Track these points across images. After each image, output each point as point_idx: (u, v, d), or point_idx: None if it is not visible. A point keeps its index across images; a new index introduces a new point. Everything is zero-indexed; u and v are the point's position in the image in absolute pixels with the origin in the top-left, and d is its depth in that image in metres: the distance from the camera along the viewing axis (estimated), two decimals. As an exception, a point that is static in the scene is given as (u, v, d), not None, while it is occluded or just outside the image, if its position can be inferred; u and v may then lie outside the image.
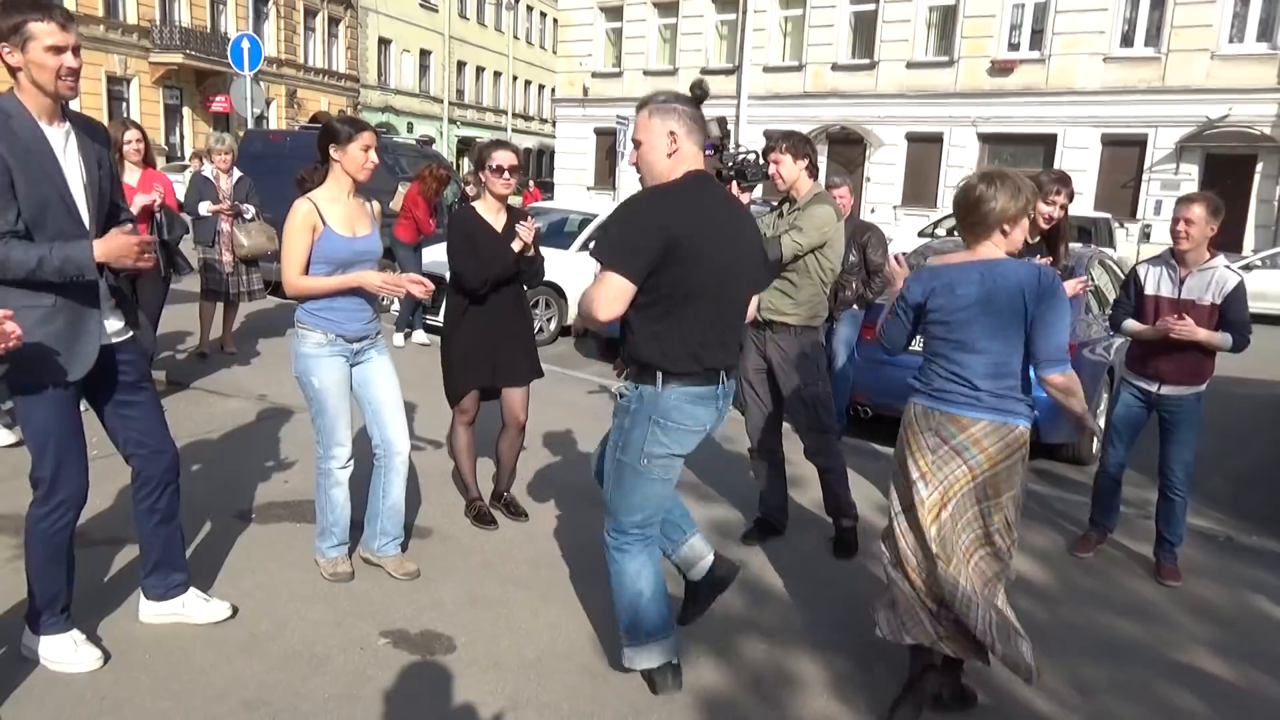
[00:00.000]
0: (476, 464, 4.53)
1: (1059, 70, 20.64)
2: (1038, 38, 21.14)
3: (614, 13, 28.42)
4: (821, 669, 3.30)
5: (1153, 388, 4.33)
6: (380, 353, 3.74)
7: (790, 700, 3.11)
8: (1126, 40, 20.10)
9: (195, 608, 3.34)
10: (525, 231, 4.09)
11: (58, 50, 2.61)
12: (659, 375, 2.77)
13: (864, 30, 23.89)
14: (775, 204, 4.51)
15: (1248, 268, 14.56)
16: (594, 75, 28.85)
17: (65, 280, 2.66)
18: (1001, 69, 21.37)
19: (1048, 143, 21.05)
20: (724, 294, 2.80)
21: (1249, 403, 8.20)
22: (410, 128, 36.27)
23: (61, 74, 2.63)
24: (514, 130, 44.97)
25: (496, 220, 4.18)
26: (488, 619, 3.53)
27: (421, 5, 39.61)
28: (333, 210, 3.50)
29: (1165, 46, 19.38)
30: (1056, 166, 20.57)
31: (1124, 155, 19.93)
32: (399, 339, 8.75)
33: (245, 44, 15.48)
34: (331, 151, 3.49)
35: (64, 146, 2.74)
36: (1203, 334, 4.09)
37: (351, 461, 3.70)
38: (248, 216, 7.45)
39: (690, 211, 2.72)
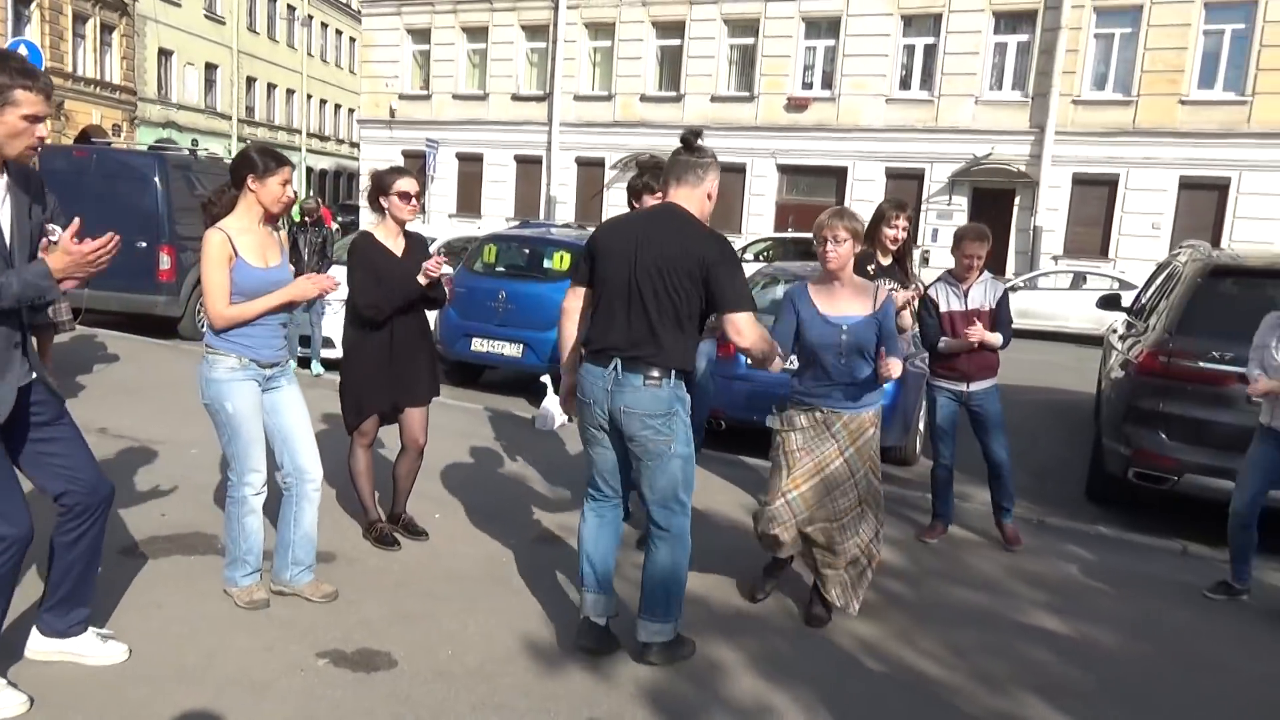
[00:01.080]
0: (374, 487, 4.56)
1: (848, 109, 22.48)
2: (828, 78, 22.94)
3: (421, 35, 28.19)
4: (749, 654, 3.62)
5: (962, 386, 5.05)
6: (290, 380, 3.74)
7: (721, 682, 3.41)
8: (904, 84, 22.20)
9: (91, 648, 3.21)
10: (434, 267, 4.19)
11: (34, 119, 2.59)
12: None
13: (670, 64, 24.99)
14: None
15: (1013, 289, 16.48)
16: (401, 97, 28.44)
17: (20, 306, 2.57)
18: (797, 105, 22.99)
19: (839, 175, 22.83)
20: None
21: (1035, 407, 9.39)
22: (195, 144, 34.16)
23: (30, 143, 2.62)
24: (309, 150, 43.32)
25: (396, 245, 4.26)
26: (420, 633, 3.61)
27: (206, 16, 37.48)
28: (244, 240, 3.49)
29: (937, 91, 21.57)
30: (847, 197, 22.42)
31: (905, 187, 21.93)
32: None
33: (23, 49, 14.25)
34: (249, 182, 3.48)
35: (3, 197, 2.69)
36: (989, 337, 4.89)
37: (265, 488, 3.68)
38: (53, 238, 6.97)
39: None
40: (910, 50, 22.15)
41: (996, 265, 20.70)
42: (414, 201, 4.19)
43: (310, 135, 44.29)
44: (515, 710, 3.12)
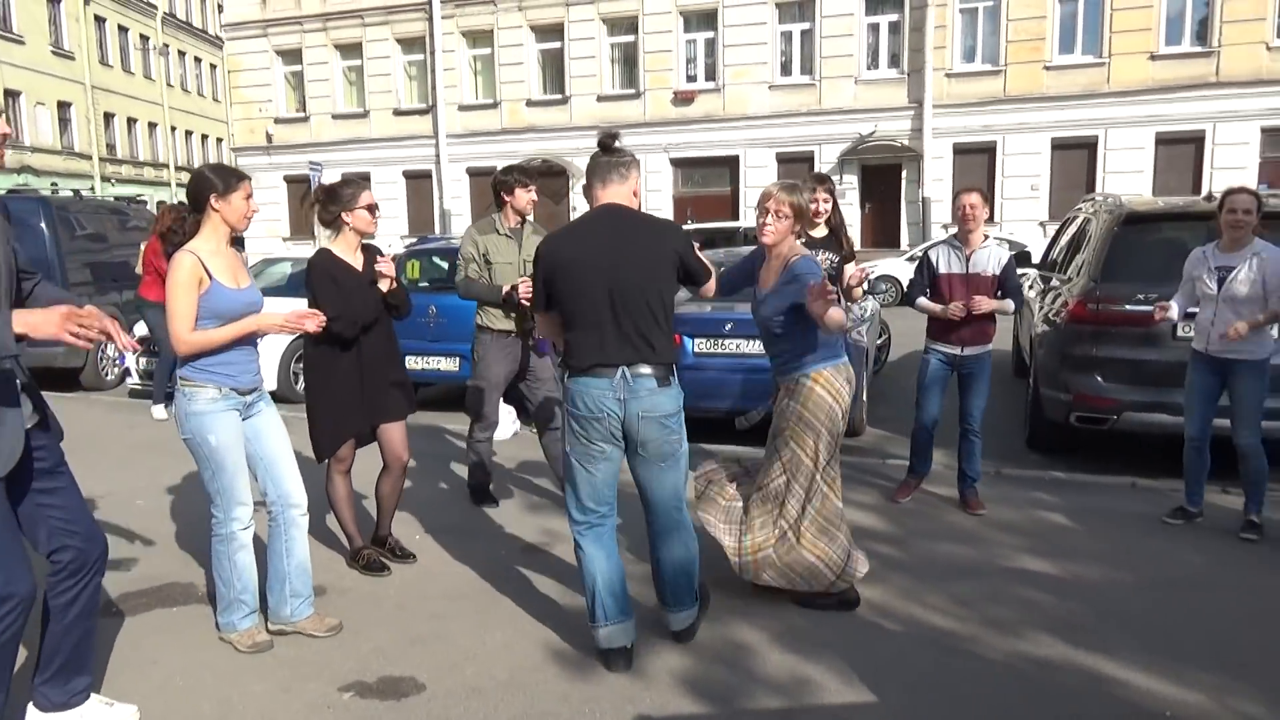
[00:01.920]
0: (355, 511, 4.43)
1: (733, 98, 22.87)
2: (711, 69, 23.28)
3: (292, 56, 27.37)
4: (771, 633, 3.66)
5: (956, 350, 5.17)
6: (268, 404, 3.63)
7: (752, 663, 3.44)
8: (785, 70, 22.72)
9: (99, 715, 3.03)
10: (387, 267, 4.12)
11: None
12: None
13: (553, 67, 24.93)
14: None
15: (911, 259, 17.06)
16: (277, 121, 27.56)
17: None
18: (683, 99, 23.25)
19: (732, 163, 23.21)
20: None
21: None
22: (55, 189, 32.29)
23: None
24: (179, 185, 41.49)
25: (356, 260, 4.15)
26: (438, 653, 3.53)
27: (54, 52, 35.44)
28: (217, 262, 3.37)
29: (818, 74, 22.15)
30: (741, 184, 22.84)
31: (796, 170, 22.41)
32: (160, 411, 8.01)
33: None
34: (212, 202, 3.35)
35: None
36: (991, 304, 4.97)
37: (253, 521, 3.55)
38: None
39: None
40: (788, 37, 22.67)
41: (890, 239, 21.42)
42: (376, 214, 4.09)
43: (178, 169, 42.42)
44: (559, 716, 3.08)
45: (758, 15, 22.50)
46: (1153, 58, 19.67)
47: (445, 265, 9.28)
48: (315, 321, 3.57)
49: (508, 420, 7.06)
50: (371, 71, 26.36)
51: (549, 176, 24.92)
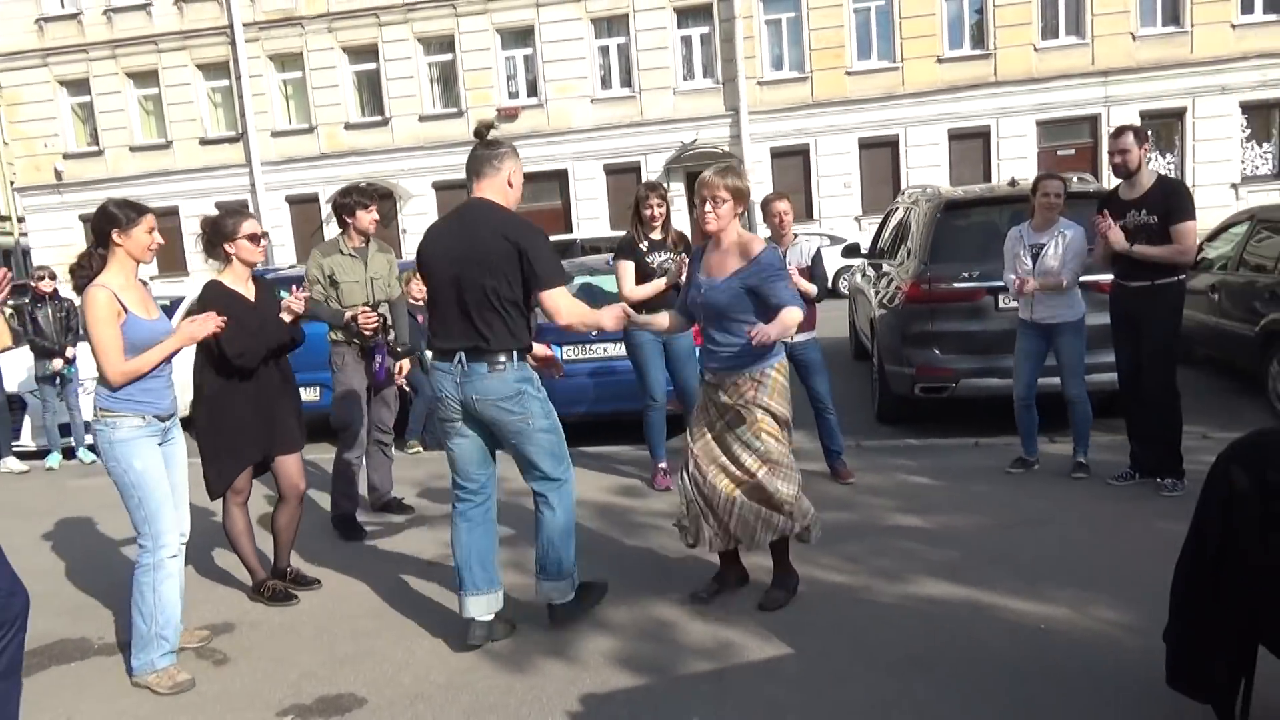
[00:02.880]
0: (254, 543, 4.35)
1: (557, 113, 23.16)
2: (533, 85, 23.49)
3: (78, 86, 25.49)
4: (687, 607, 3.89)
5: (787, 340, 5.58)
6: (179, 431, 3.66)
7: (676, 634, 3.66)
8: (605, 83, 23.22)
9: None
10: (297, 304, 4.12)
11: None
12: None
13: (369, 88, 24.42)
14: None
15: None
16: (66, 157, 25.60)
17: None
18: (507, 115, 23.33)
19: (561, 177, 23.46)
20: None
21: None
22: None
23: None
24: (-47, 230, 37.73)
25: (248, 290, 4.10)
26: (372, 668, 3.55)
27: None
28: (129, 295, 3.42)
29: (637, 87, 22.78)
30: (572, 197, 23.15)
31: (624, 181, 22.96)
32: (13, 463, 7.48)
33: None
34: (115, 237, 3.37)
35: None
36: (804, 285, 5.38)
37: (183, 548, 3.52)
38: None
39: None
40: (605, 51, 23.18)
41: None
42: (263, 242, 4.06)
43: (-48, 214, 38.54)
44: (507, 707, 3.19)
45: (574, 31, 22.90)
46: (940, 60, 21.43)
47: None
48: (216, 323, 3.58)
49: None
50: (171, 100, 24.95)
51: (362, 191, 24.34)
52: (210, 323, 3.53)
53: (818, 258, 5.66)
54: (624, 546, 4.72)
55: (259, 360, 3.98)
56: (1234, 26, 20.36)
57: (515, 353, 3.49)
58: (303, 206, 24.82)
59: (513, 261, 3.39)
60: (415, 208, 24.13)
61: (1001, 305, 6.36)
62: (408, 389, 7.31)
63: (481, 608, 3.63)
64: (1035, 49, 21.08)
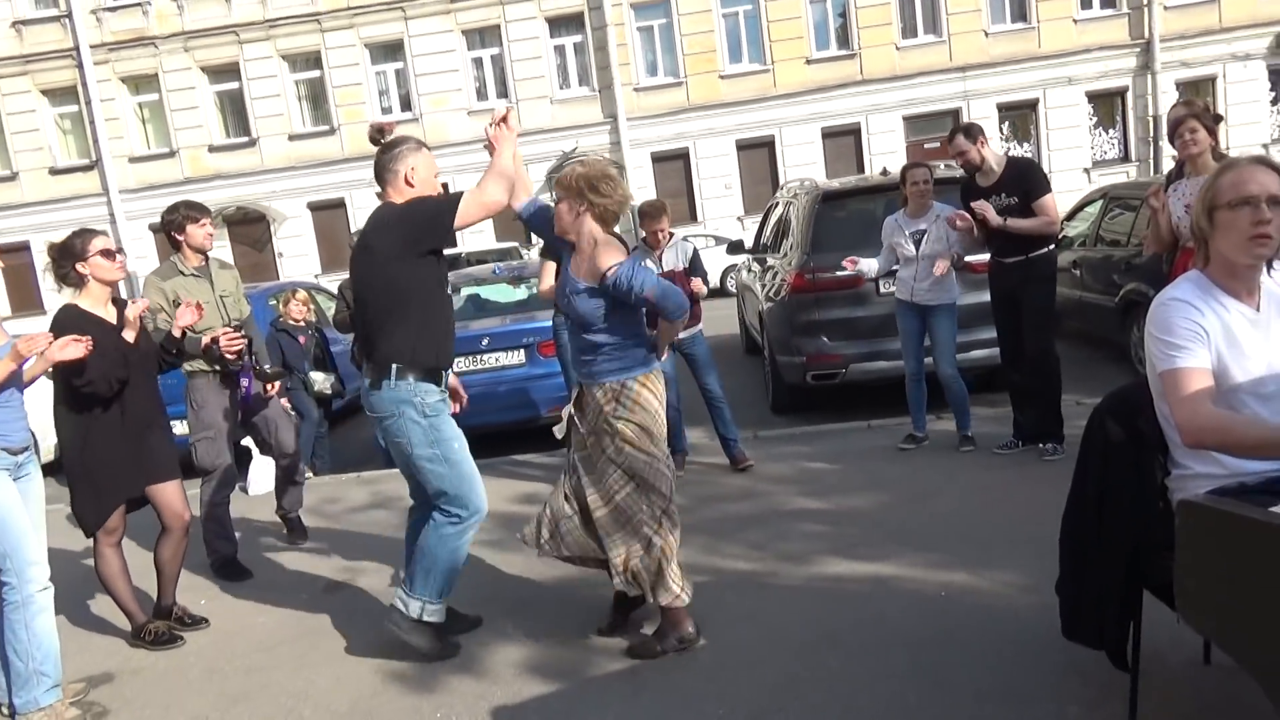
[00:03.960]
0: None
1: (433, 127, 22.73)
2: (406, 100, 23.05)
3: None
4: (597, 614, 3.83)
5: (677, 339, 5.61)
6: (35, 467, 3.40)
7: (586, 637, 3.59)
8: (480, 95, 22.98)
9: None
10: (134, 310, 3.88)
11: None
12: None
13: (233, 109, 23.51)
14: None
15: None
16: (-99, 193, 23.74)
17: None
18: (381, 130, 22.79)
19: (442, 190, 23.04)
20: None
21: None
22: None
23: None
24: None
25: (108, 314, 3.84)
26: (269, 703, 3.37)
27: None
28: None
29: (513, 97, 22.60)
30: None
31: (507, 192, 22.78)
32: None
33: None
34: None
35: None
36: (696, 286, 5.45)
37: (51, 584, 3.29)
38: None
39: None
40: (479, 62, 22.96)
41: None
42: (118, 258, 3.80)
43: None
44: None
45: (445, 43, 22.59)
46: (809, 62, 22.01)
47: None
48: (83, 346, 3.32)
49: (266, 472, 6.68)
50: (13, 128, 23.44)
51: (245, 224, 23.52)
52: (33, 343, 3.19)
53: (695, 258, 5.66)
54: (529, 554, 4.61)
55: (115, 388, 3.72)
56: (1075, 21, 21.61)
57: (395, 369, 3.29)
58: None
59: (401, 255, 3.22)
60: (290, 229, 23.35)
61: (883, 290, 6.54)
62: (292, 413, 7.02)
63: (399, 603, 3.53)
64: (897, 48, 21.89)
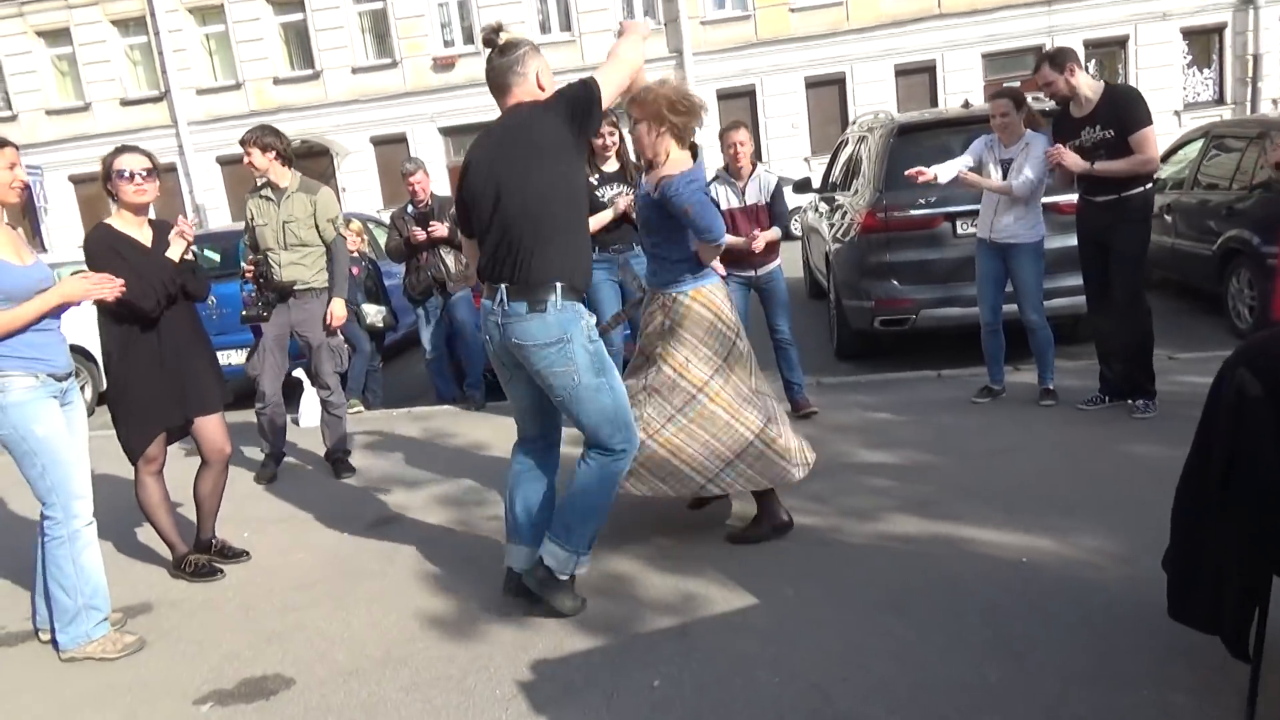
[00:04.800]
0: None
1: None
2: (469, 33, 22.65)
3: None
4: (644, 559, 3.62)
5: (750, 272, 5.32)
6: (78, 395, 3.31)
7: (635, 589, 3.39)
8: (545, 28, 22.49)
9: None
10: (186, 227, 3.73)
11: None
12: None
13: (298, 41, 23.39)
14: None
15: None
16: (-21, 123, 24.23)
17: None
18: (444, 65, 22.53)
19: (502, 127, 22.75)
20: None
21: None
22: None
23: None
24: None
25: (142, 235, 3.68)
26: (301, 645, 3.23)
27: None
28: None
29: (578, 30, 22.09)
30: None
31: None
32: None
33: None
34: None
35: None
36: (767, 237, 5.17)
37: (95, 517, 3.22)
38: None
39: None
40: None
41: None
42: (140, 180, 3.59)
43: None
44: (451, 678, 2.90)
45: (509, -27, 22.10)
46: (883, -5, 21.07)
47: (217, 257, 8.53)
48: (113, 287, 3.18)
49: (313, 407, 6.59)
50: (87, 59, 23.67)
51: (310, 158, 23.51)
52: (102, 286, 3.13)
53: (778, 192, 5.35)
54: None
55: (157, 303, 3.57)
56: (1174, -48, 20.22)
57: (560, 288, 2.96)
58: (235, 167, 23.79)
59: (570, 136, 2.92)
60: (353, 164, 23.31)
61: (960, 232, 6.12)
62: (345, 345, 6.91)
63: (518, 559, 3.29)
64: (978, -21, 20.79)
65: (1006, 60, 20.95)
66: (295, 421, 6.52)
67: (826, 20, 21.32)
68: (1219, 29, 20.48)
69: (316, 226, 5.07)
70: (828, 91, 21.69)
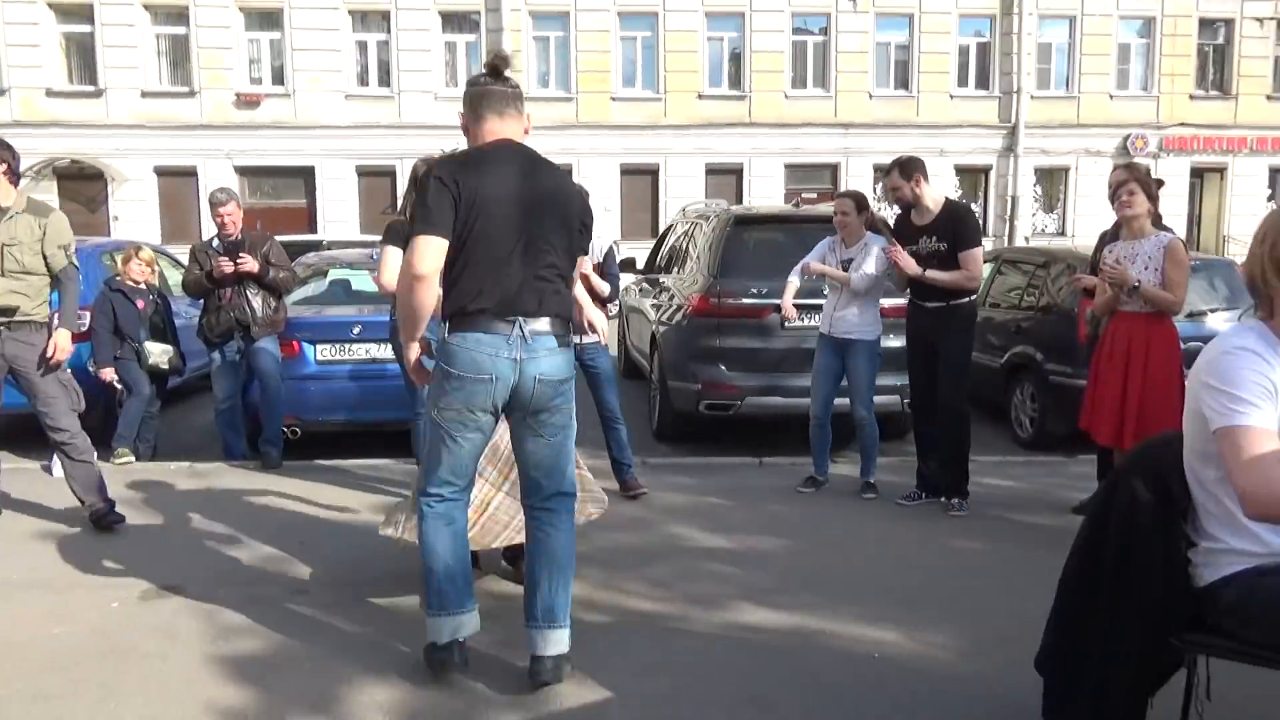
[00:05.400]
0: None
1: (305, 106, 21.46)
2: (279, 73, 21.63)
3: None
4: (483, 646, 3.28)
5: (575, 339, 5.16)
6: None
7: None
8: (363, 80, 21.85)
9: None
10: None
11: None
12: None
13: (81, 53, 21.44)
14: None
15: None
16: None
17: None
18: (248, 102, 21.34)
19: (307, 174, 21.74)
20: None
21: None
22: None
23: None
24: None
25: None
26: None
27: None
28: None
29: (396, 87, 21.63)
30: (319, 196, 21.59)
31: (378, 185, 21.75)
32: None
33: None
34: None
35: None
36: (597, 283, 5.07)
37: None
38: None
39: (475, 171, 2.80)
40: (364, 46, 21.88)
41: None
42: None
43: None
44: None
45: (331, 21, 21.39)
46: (700, 97, 22.12)
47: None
48: None
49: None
50: None
51: (80, 179, 21.40)
52: None
53: (610, 255, 5.30)
54: (399, 565, 4.01)
55: None
56: (951, 97, 22.68)
57: (570, 325, 2.99)
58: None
59: (577, 224, 2.97)
60: (131, 193, 21.41)
61: (787, 325, 6.28)
62: (118, 386, 6.10)
63: (467, 628, 2.98)
64: (785, 96, 22.33)
65: (806, 173, 22.52)
66: (47, 469, 5.63)
67: (645, 113, 22.11)
68: (985, 170, 23.04)
69: (44, 254, 4.46)
70: (641, 180, 22.37)
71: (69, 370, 4.73)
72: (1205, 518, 2.08)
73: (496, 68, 2.95)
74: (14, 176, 4.49)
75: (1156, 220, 4.48)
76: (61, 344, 4.47)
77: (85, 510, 4.59)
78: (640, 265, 9.52)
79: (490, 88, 2.94)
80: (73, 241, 4.62)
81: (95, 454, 4.72)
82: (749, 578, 3.97)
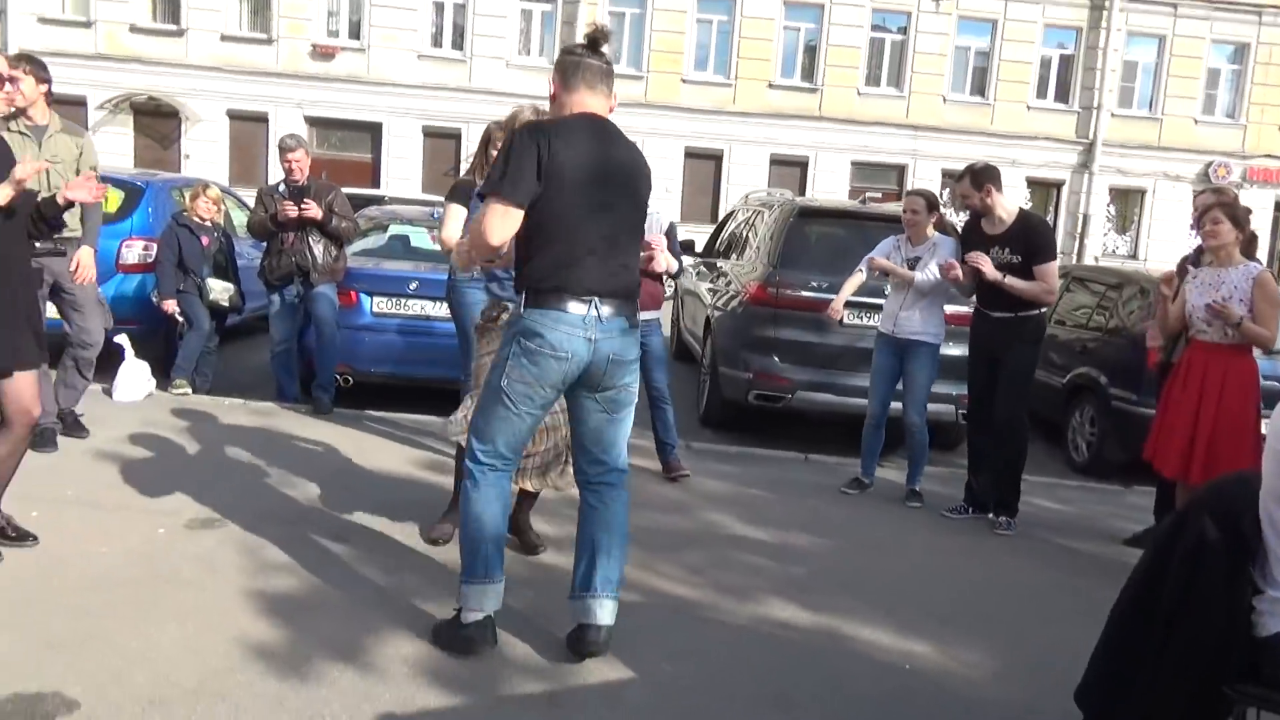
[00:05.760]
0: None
1: (378, 62, 21.61)
2: (355, 27, 21.80)
3: None
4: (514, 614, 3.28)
5: None
6: None
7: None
8: (436, 41, 21.93)
9: None
10: (22, 170, 3.18)
11: None
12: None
13: (165, -8, 21.80)
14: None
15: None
16: None
17: None
18: (323, 54, 21.55)
19: (374, 130, 21.92)
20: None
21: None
22: None
23: None
24: None
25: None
26: (93, 658, 2.70)
27: None
28: None
29: (469, 51, 21.68)
30: (383, 153, 21.77)
31: (442, 147, 21.87)
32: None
33: None
34: None
35: None
36: (663, 258, 4.90)
37: None
38: None
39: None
40: (440, 8, 21.93)
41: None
42: None
43: None
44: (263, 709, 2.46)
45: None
46: (771, 86, 21.88)
47: None
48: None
49: (133, 379, 5.84)
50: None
51: (157, 117, 21.80)
52: None
53: (672, 231, 5.17)
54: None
55: None
56: (1028, 108, 22.16)
57: (636, 304, 3.00)
58: (71, 108, 21.71)
59: (646, 197, 3.03)
60: (202, 133, 21.75)
61: (846, 321, 6.18)
62: (180, 319, 6.20)
63: (499, 598, 2.97)
64: (858, 93, 21.99)
65: (872, 171, 22.19)
66: (108, 392, 5.74)
67: (714, 97, 21.92)
68: (1058, 185, 22.51)
69: (78, 171, 4.55)
70: (705, 165, 22.21)
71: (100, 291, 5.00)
72: (1276, 565, 1.99)
73: (596, 41, 2.90)
74: (51, 100, 4.65)
75: (1247, 248, 4.29)
76: (85, 259, 4.65)
77: (50, 420, 4.63)
78: (699, 249, 9.49)
79: (587, 60, 2.87)
80: (99, 164, 4.84)
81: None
82: (784, 573, 3.92)
